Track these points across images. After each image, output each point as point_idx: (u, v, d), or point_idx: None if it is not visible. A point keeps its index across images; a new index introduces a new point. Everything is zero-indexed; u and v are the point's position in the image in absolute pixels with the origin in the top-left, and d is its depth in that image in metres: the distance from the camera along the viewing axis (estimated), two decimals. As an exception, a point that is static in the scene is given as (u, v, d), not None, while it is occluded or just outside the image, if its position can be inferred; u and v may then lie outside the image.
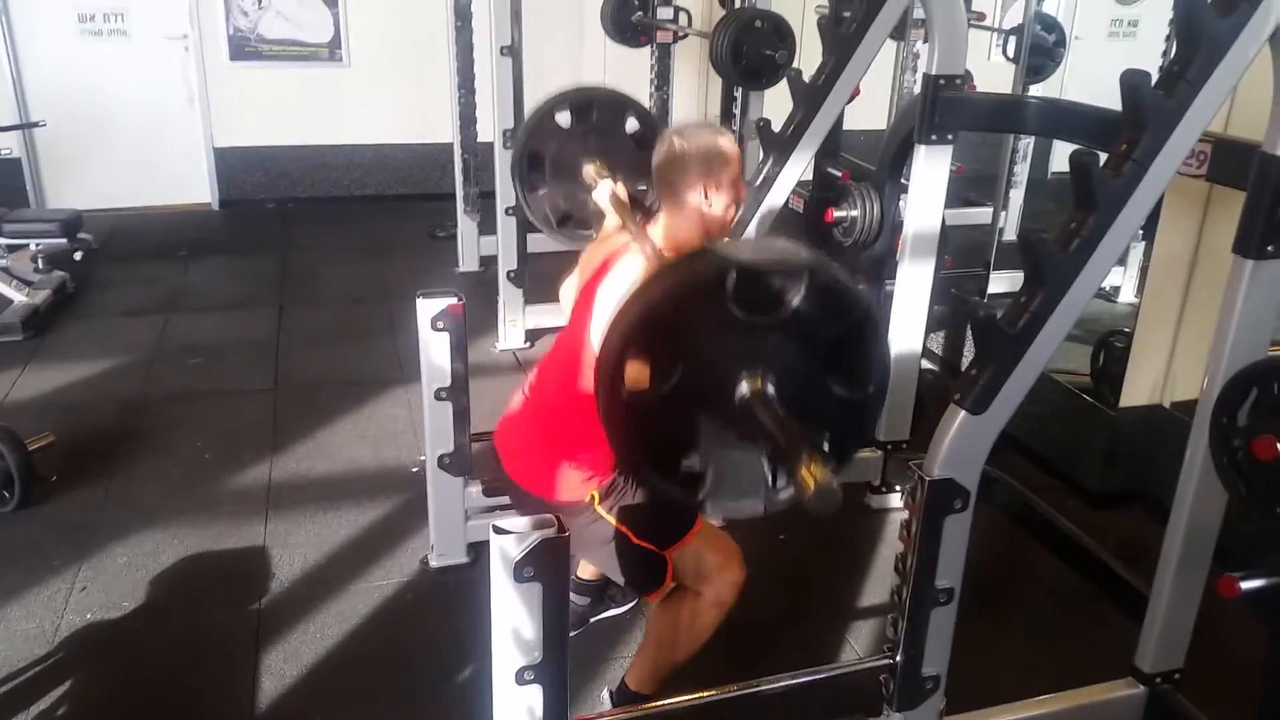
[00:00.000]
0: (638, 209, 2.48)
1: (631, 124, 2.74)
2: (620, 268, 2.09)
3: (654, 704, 2.07)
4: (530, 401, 2.28)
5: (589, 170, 2.66)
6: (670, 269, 1.54)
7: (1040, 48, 4.85)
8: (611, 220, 2.42)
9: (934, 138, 2.84)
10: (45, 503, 3.18)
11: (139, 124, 6.33)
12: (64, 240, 4.85)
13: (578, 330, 2.13)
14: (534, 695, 1.69)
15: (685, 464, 1.56)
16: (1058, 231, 1.78)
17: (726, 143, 2.14)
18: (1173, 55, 1.73)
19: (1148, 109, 1.70)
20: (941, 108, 2.79)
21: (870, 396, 1.59)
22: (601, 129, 2.68)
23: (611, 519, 2.09)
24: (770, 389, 1.49)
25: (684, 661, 2.19)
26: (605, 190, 2.46)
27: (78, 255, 4.94)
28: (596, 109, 2.70)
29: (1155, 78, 1.75)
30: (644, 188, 2.59)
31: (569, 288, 2.39)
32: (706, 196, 2.11)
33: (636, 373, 1.49)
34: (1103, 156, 1.76)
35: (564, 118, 2.68)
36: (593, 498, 2.09)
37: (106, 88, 6.22)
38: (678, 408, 1.52)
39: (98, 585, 2.81)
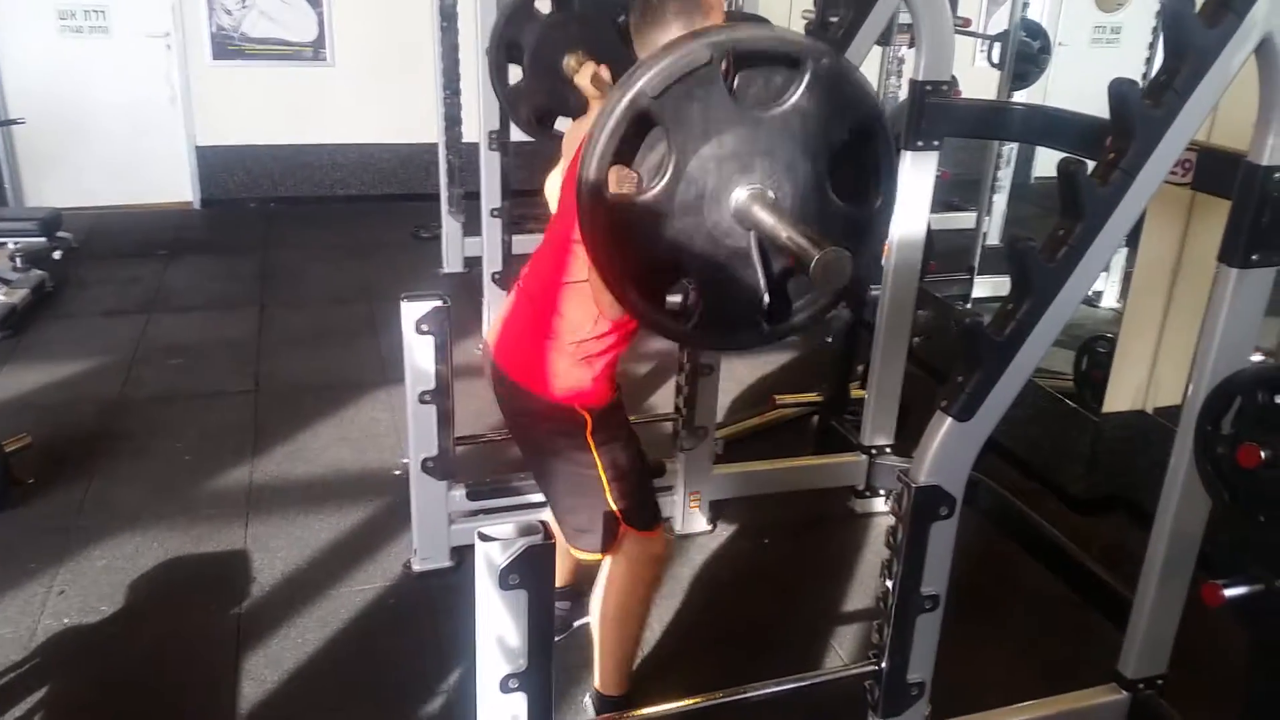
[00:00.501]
0: None
1: (622, 17, 2.39)
2: None
3: (639, 710, 2.06)
4: (523, 293, 2.18)
5: (569, 61, 2.46)
6: (659, 53, 1.36)
7: (1025, 54, 4.88)
8: (596, 106, 2.26)
9: (920, 144, 2.85)
10: (22, 505, 3.14)
11: (120, 122, 6.27)
12: (43, 239, 4.80)
13: (566, 215, 2.02)
14: (519, 703, 1.68)
15: (675, 290, 1.45)
16: (1045, 240, 1.78)
17: None
18: (1160, 65, 1.73)
19: (1135, 118, 1.70)
20: (928, 114, 2.80)
21: (877, 212, 1.48)
22: (586, 18, 2.46)
23: (597, 457, 2.06)
24: (770, 193, 1.38)
25: (636, 648, 2.23)
26: (588, 74, 2.30)
27: (57, 254, 4.89)
28: None
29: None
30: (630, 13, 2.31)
31: (553, 178, 2.27)
32: None
33: (623, 176, 1.37)
34: (1090, 164, 1.77)
35: (543, 3, 2.48)
36: (585, 422, 2.05)
37: (87, 85, 6.16)
38: (667, 219, 1.39)
39: (76, 589, 2.78)
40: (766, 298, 1.44)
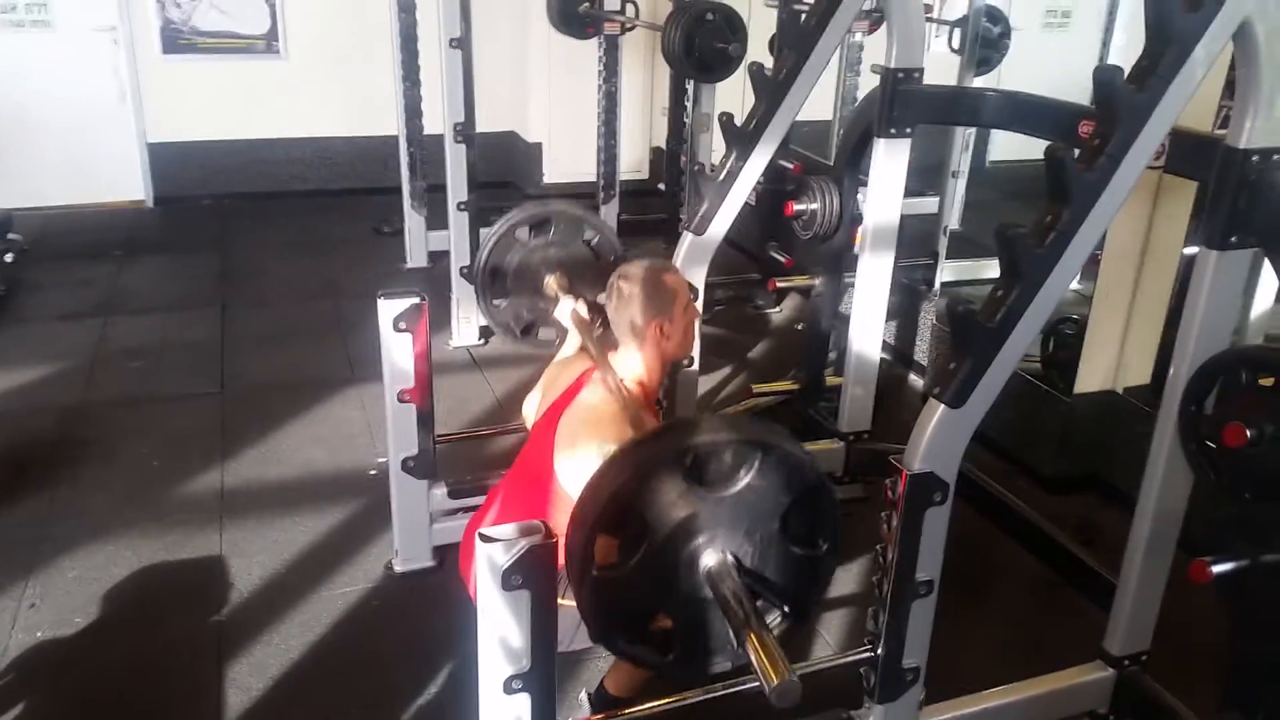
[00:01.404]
0: (598, 317, 2.62)
1: (589, 234, 2.90)
2: (584, 399, 2.20)
3: (635, 708, 2.05)
4: (503, 511, 2.31)
5: (549, 282, 2.82)
6: (629, 452, 1.65)
7: (986, 39, 4.91)
8: (574, 339, 2.55)
9: (893, 131, 2.86)
10: (-13, 517, 3.06)
11: (67, 119, 6.08)
12: (-8, 242, 4.67)
13: (542, 453, 2.22)
14: (522, 704, 1.66)
15: (655, 625, 1.71)
16: (1032, 225, 1.79)
17: (671, 278, 2.30)
18: (1142, 50, 1.75)
19: (1120, 103, 1.72)
20: (901, 101, 2.82)
21: (826, 553, 1.73)
22: (561, 242, 2.86)
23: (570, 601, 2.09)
24: (730, 558, 1.64)
25: None
26: (567, 309, 2.62)
27: (8, 257, 4.75)
28: (554, 224, 2.87)
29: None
30: (603, 298, 2.68)
31: (531, 403, 2.51)
32: (662, 332, 2.25)
33: (605, 547, 1.62)
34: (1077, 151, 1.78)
35: (523, 233, 2.86)
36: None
37: (31, 82, 5.96)
38: (645, 578, 1.64)
39: (48, 602, 2.71)
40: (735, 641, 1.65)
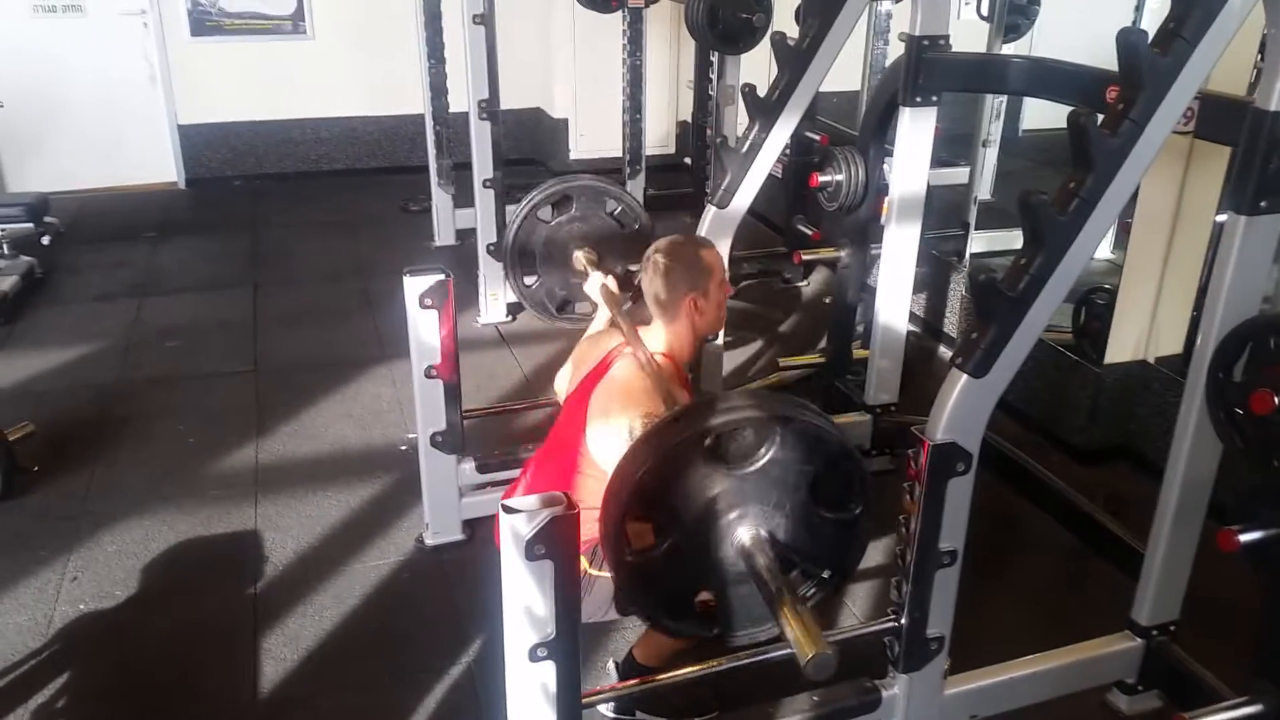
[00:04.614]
0: (626, 291, 2.68)
1: (611, 205, 2.93)
2: (616, 373, 2.23)
3: (662, 676, 2.07)
4: (533, 486, 2.34)
5: (579, 257, 2.86)
6: (649, 439, 1.68)
7: (1014, 5, 4.83)
8: (604, 313, 2.57)
9: (919, 100, 2.83)
10: (29, 493, 3.13)
11: (100, 103, 6.18)
12: (30, 225, 4.75)
13: (574, 428, 2.24)
14: (547, 671, 1.68)
15: (698, 601, 1.76)
16: (1056, 192, 1.77)
17: (708, 253, 2.31)
18: (1167, 13, 1.72)
19: (1145, 67, 1.70)
20: (926, 69, 2.78)
21: (860, 515, 1.76)
22: (585, 216, 2.90)
23: (606, 573, 2.10)
24: (762, 532, 1.67)
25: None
26: (596, 283, 2.63)
27: (45, 239, 4.83)
28: (575, 199, 2.91)
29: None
30: (633, 268, 2.76)
31: (562, 378, 2.52)
32: (695, 306, 2.26)
33: (639, 531, 1.66)
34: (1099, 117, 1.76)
35: (546, 211, 2.90)
36: (584, 567, 2.12)
37: (64, 67, 6.05)
38: (681, 560, 1.67)
39: (88, 575, 2.77)
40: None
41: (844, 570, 1.85)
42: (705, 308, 2.27)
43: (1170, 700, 2.29)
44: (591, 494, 2.02)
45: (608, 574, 2.09)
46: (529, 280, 3.11)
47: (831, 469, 1.72)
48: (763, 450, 1.66)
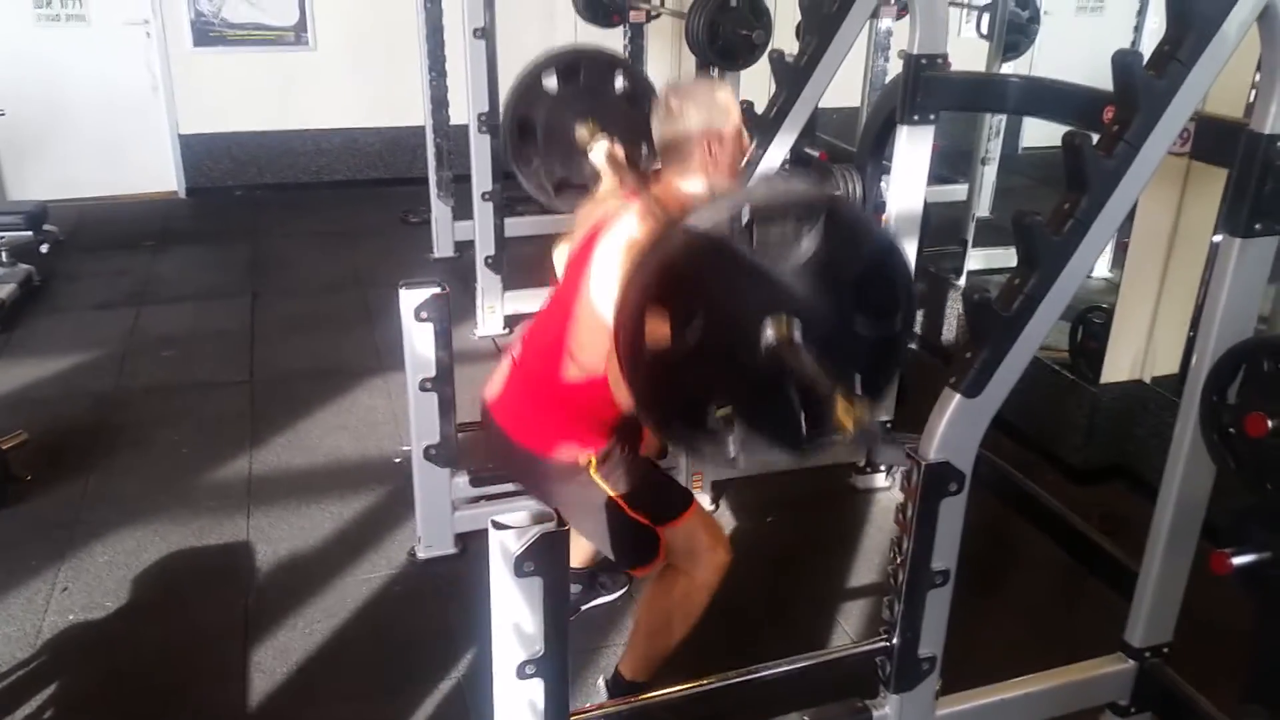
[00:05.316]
0: (634, 167, 2.47)
1: (620, 82, 2.68)
2: (620, 226, 2.02)
3: (652, 693, 2.06)
4: (522, 360, 2.22)
5: (582, 132, 2.63)
6: (681, 218, 1.48)
7: (1014, 24, 4.85)
8: (609, 182, 2.41)
9: (916, 118, 2.83)
10: (21, 502, 3.12)
11: (101, 112, 6.19)
12: (29, 233, 4.76)
13: (572, 289, 2.08)
14: (535, 689, 1.67)
15: (714, 415, 1.55)
16: (1050, 213, 1.77)
17: (724, 95, 2.10)
18: (1163, 35, 1.72)
19: (1140, 89, 1.70)
20: (924, 87, 2.79)
21: (900, 331, 1.60)
22: (590, 89, 2.63)
23: (607, 487, 2.07)
24: (796, 333, 1.48)
25: (676, 646, 2.19)
26: (602, 150, 2.45)
27: (44, 247, 4.84)
28: (583, 69, 2.65)
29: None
30: (640, 146, 2.57)
31: (562, 252, 2.31)
32: (711, 152, 2.06)
33: (657, 329, 1.46)
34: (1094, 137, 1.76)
35: (551, 82, 2.63)
36: (589, 462, 2.06)
37: (67, 75, 6.07)
38: (703, 360, 1.49)
39: (79, 585, 2.76)
40: (803, 426, 1.54)
41: (876, 389, 1.65)
42: (720, 154, 2.07)
43: (1162, 723, 2.28)
44: (591, 351, 1.94)
45: (609, 487, 2.05)
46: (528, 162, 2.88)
47: (875, 271, 1.55)
48: (805, 239, 1.48)
